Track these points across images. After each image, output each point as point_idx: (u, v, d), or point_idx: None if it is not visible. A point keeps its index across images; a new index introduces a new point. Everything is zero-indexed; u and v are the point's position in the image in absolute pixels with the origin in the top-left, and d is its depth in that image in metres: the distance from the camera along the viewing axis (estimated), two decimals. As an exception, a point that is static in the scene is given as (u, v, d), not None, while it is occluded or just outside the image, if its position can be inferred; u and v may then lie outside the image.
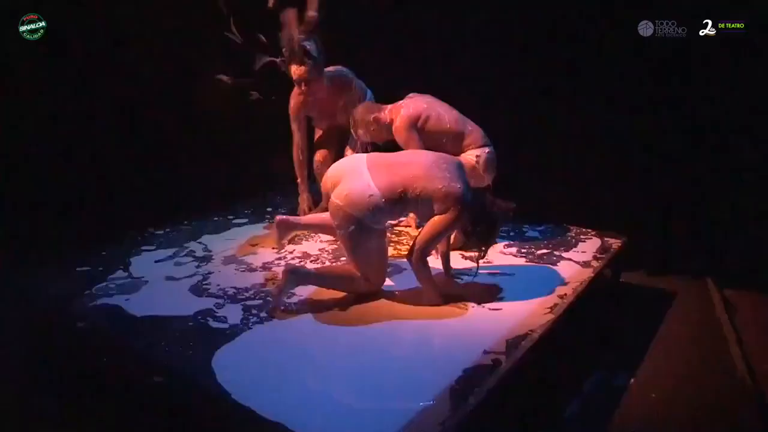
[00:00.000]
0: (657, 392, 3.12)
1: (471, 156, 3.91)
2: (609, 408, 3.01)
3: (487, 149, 3.96)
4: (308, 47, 3.90)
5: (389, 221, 3.62)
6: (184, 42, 4.77)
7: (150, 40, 4.59)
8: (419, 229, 4.21)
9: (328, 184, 3.35)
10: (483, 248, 3.36)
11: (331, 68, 4.22)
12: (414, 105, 3.92)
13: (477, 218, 3.23)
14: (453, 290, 3.41)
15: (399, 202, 3.16)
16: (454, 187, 3.13)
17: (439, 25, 4.94)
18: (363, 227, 3.18)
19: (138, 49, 4.59)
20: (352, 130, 4.06)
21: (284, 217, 3.75)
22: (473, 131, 3.97)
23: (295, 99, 4.28)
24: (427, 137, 3.86)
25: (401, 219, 4.34)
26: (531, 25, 4.60)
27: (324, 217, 3.57)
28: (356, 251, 3.27)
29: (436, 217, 3.17)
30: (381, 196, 3.13)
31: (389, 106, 3.97)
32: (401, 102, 3.99)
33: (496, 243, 4.03)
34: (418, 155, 3.41)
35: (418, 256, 3.21)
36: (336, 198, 3.21)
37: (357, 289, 3.35)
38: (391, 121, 3.91)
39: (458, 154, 3.87)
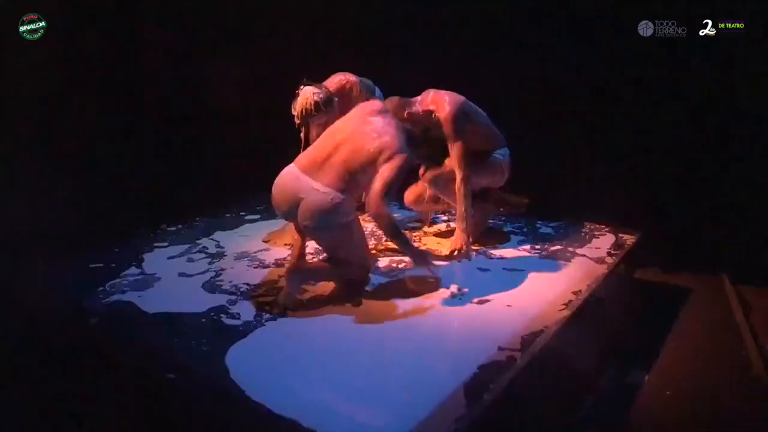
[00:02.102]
0: (672, 389, 3.11)
1: (499, 156, 3.94)
2: (623, 405, 3.00)
3: (506, 148, 3.99)
4: (317, 98, 3.86)
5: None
6: (194, 38, 4.77)
7: (162, 36, 4.59)
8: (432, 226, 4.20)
9: (284, 207, 3.28)
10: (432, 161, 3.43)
11: (331, 81, 4.21)
12: (452, 94, 3.82)
13: (420, 149, 3.33)
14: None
15: (353, 184, 3.19)
16: (385, 142, 3.17)
17: (446, 24, 4.94)
18: (341, 227, 3.21)
19: (150, 46, 4.59)
20: None
21: (296, 267, 3.48)
22: (497, 130, 3.98)
23: (315, 130, 4.23)
24: (474, 125, 3.81)
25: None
26: (540, 22, 4.60)
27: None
28: (345, 249, 3.31)
29: (384, 166, 3.16)
30: (338, 192, 3.14)
31: (417, 99, 3.83)
32: (431, 94, 3.83)
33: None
34: (338, 133, 3.31)
35: (375, 203, 3.15)
36: (304, 221, 3.20)
37: (352, 274, 3.37)
38: (425, 113, 3.74)
39: (492, 152, 3.92)
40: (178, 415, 2.64)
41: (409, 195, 4.17)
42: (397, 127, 3.27)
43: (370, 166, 3.17)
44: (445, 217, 4.56)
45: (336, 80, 4.21)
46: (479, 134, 3.87)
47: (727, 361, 3.35)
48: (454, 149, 3.74)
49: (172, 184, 4.70)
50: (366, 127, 3.25)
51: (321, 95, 3.86)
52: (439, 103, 3.76)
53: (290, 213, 3.26)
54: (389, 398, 2.46)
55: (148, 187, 4.63)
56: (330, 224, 3.19)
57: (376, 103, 3.45)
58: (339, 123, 3.44)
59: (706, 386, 3.14)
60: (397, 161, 3.15)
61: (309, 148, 3.40)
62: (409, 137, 3.27)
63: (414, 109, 3.73)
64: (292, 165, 3.33)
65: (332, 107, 3.94)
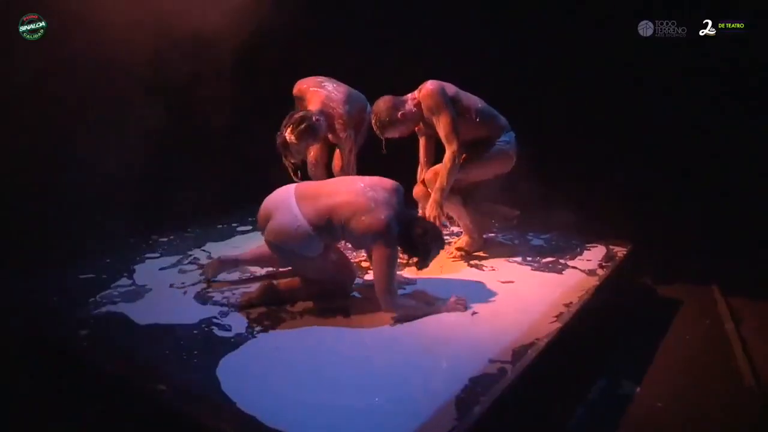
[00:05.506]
0: (663, 401, 3.10)
1: (503, 143, 3.95)
2: (615, 417, 3.00)
3: (511, 133, 4.01)
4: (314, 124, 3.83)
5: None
6: (186, 48, 4.75)
7: (152, 45, 4.57)
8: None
9: (262, 221, 3.33)
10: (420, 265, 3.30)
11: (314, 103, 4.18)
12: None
13: (409, 250, 3.22)
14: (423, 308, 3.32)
15: (327, 229, 3.17)
16: (377, 218, 3.08)
17: (440, 27, 4.95)
18: (302, 258, 3.25)
19: (140, 56, 4.57)
20: (378, 131, 3.87)
21: (219, 258, 3.72)
22: (498, 115, 3.99)
23: (312, 153, 4.34)
24: (462, 110, 3.81)
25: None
26: (533, 27, 4.64)
27: (260, 249, 3.64)
28: (308, 272, 3.38)
29: (374, 257, 3.14)
30: (309, 225, 3.14)
31: (408, 96, 3.88)
32: None
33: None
34: (346, 183, 3.35)
35: (386, 301, 3.15)
36: (267, 236, 3.27)
37: (325, 291, 3.42)
38: (416, 105, 3.83)
39: (494, 138, 3.93)
40: (169, 427, 2.63)
41: (417, 191, 4.14)
42: (394, 210, 3.17)
43: (352, 228, 3.11)
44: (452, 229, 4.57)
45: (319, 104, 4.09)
46: (470, 118, 3.85)
47: (718, 372, 3.36)
48: (441, 122, 3.75)
49: (163, 195, 4.69)
50: (368, 192, 3.17)
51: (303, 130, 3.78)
52: (420, 88, 3.84)
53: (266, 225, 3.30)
54: (380, 410, 2.45)
55: (140, 198, 4.61)
56: (290, 249, 3.23)
57: (390, 183, 3.33)
58: (356, 177, 3.55)
59: (696, 398, 3.14)
60: (384, 249, 3.09)
61: (317, 181, 3.44)
62: (398, 219, 3.17)
63: (407, 107, 3.83)
64: (291, 185, 3.37)
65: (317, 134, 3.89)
